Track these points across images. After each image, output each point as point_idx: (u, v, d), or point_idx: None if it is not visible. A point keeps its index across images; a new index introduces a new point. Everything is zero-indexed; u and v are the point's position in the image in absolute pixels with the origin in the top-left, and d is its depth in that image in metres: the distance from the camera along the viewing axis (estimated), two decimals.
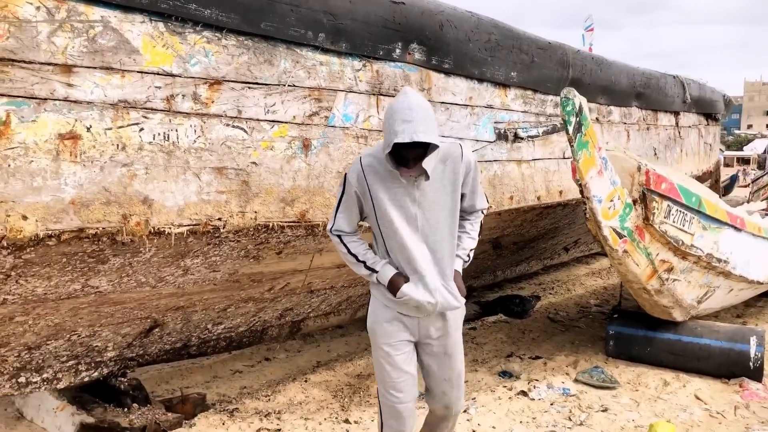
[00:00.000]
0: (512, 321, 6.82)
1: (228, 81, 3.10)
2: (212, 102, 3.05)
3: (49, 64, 2.55)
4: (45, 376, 3.71)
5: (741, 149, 49.56)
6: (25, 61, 2.49)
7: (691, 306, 5.22)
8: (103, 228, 2.77)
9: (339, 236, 2.92)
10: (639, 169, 4.32)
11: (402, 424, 2.99)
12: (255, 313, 4.54)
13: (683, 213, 4.56)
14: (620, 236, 4.31)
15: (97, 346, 3.80)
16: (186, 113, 2.97)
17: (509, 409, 4.47)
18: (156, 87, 2.86)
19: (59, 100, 2.60)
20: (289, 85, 3.35)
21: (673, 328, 5.27)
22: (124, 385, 4.17)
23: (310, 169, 3.51)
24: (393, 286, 2.82)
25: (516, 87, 4.93)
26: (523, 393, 4.74)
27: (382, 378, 2.98)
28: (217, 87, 3.07)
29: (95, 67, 2.67)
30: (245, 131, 3.20)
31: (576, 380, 4.99)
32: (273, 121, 3.31)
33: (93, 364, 3.93)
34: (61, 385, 3.83)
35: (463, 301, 2.95)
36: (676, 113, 7.99)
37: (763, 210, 7.92)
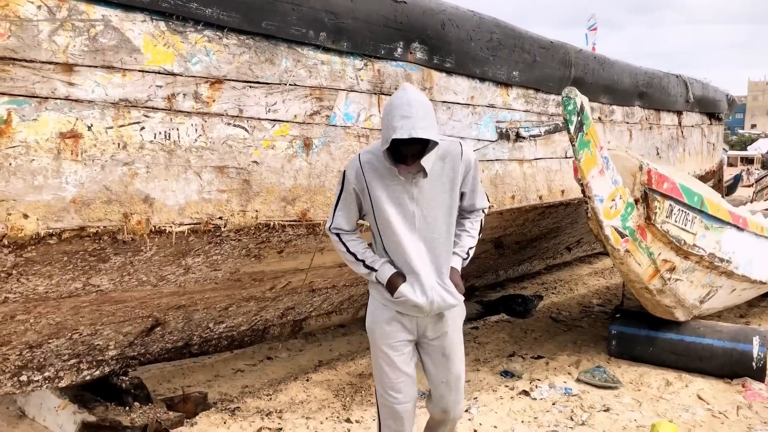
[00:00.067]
0: (514, 320, 6.82)
1: (229, 80, 3.10)
2: (213, 101, 3.05)
3: (50, 63, 2.56)
4: (46, 374, 3.72)
5: (745, 149, 49.47)
6: (26, 60, 2.49)
7: (694, 306, 5.21)
8: (104, 227, 2.77)
9: (338, 234, 2.89)
10: (641, 168, 4.31)
11: (400, 424, 2.97)
12: (256, 312, 4.54)
13: (685, 212, 4.55)
14: (622, 236, 4.30)
15: (98, 344, 3.81)
16: (187, 112, 2.97)
17: (511, 409, 4.47)
18: (157, 86, 2.86)
19: (60, 99, 2.60)
20: (290, 84, 3.35)
21: (676, 328, 5.26)
22: (126, 384, 4.18)
23: (312, 168, 3.51)
24: (391, 286, 2.78)
25: (518, 86, 4.92)
26: (525, 393, 4.74)
27: (380, 378, 2.96)
28: (218, 86, 3.07)
29: (96, 66, 2.68)
30: (246, 130, 3.20)
31: (578, 380, 4.98)
32: (274, 120, 3.31)
33: (94, 363, 3.93)
34: (62, 384, 3.84)
35: (461, 298, 2.90)
36: (679, 113, 7.97)
37: (766, 210, 7.89)
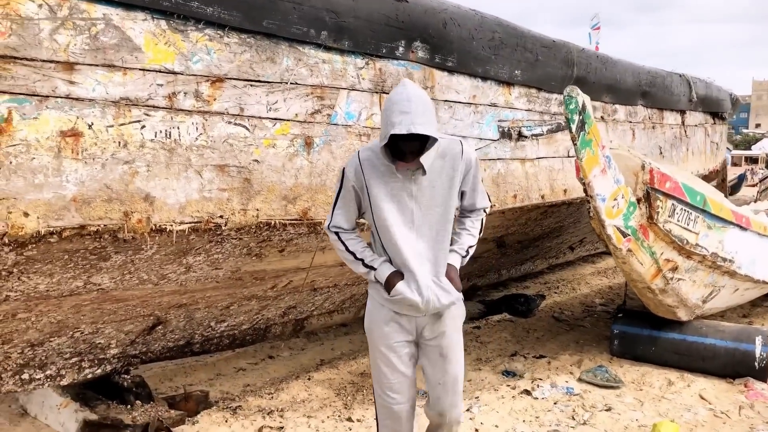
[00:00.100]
0: (517, 320, 6.81)
1: (230, 79, 3.10)
2: (214, 100, 3.05)
3: (51, 61, 2.56)
4: (48, 372, 3.73)
5: (749, 148, 49.33)
6: (27, 59, 2.50)
7: (696, 305, 5.20)
8: (104, 225, 2.77)
9: (336, 233, 2.86)
10: (643, 167, 4.30)
11: (398, 425, 2.95)
12: (258, 311, 4.54)
13: (688, 212, 4.54)
14: (624, 235, 4.29)
15: (100, 343, 3.81)
16: (188, 111, 2.97)
17: (512, 408, 4.47)
18: (158, 85, 2.86)
19: (61, 97, 2.60)
20: (291, 83, 3.35)
21: (678, 328, 5.25)
22: (128, 382, 4.18)
23: (313, 167, 3.51)
24: (389, 284, 2.75)
25: (520, 85, 4.92)
26: (527, 392, 4.74)
27: (378, 379, 2.94)
28: (219, 85, 3.07)
29: (97, 65, 2.68)
30: (247, 129, 3.20)
31: (580, 379, 4.98)
32: (275, 119, 3.31)
33: (96, 361, 3.94)
34: (64, 382, 3.84)
35: (459, 295, 2.86)
36: (682, 112, 7.96)
37: None
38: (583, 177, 4.00)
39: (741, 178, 23.73)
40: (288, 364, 5.43)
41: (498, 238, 5.99)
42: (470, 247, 2.94)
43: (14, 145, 2.51)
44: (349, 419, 4.28)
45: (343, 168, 2.80)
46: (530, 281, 8.55)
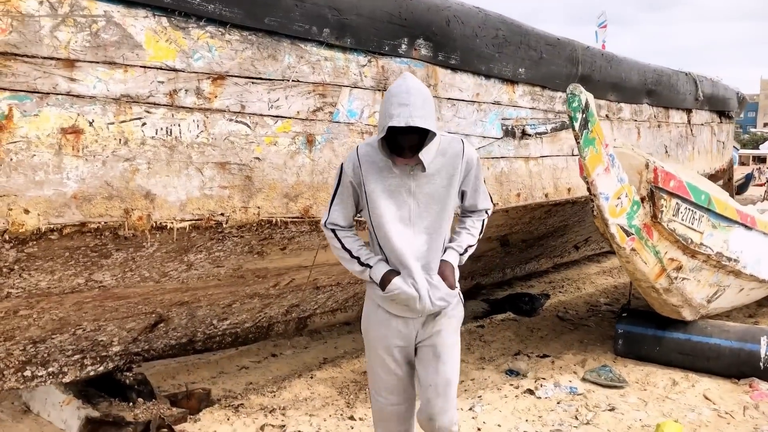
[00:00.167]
0: (521, 319, 6.79)
1: (231, 76, 3.09)
2: (215, 97, 3.05)
3: (52, 58, 2.56)
4: (50, 369, 3.73)
5: (757, 147, 49.12)
6: (27, 56, 2.50)
7: (701, 305, 5.17)
8: (105, 222, 2.77)
9: (333, 230, 2.80)
10: (647, 166, 4.28)
11: (392, 426, 2.91)
12: (260, 309, 4.54)
13: (692, 211, 4.52)
14: (628, 234, 4.27)
15: (102, 340, 3.82)
16: (189, 108, 2.97)
17: (515, 408, 4.45)
18: (159, 82, 2.86)
19: (62, 94, 2.60)
20: (293, 81, 3.34)
21: (683, 328, 5.23)
22: (130, 380, 4.19)
23: (314, 164, 3.50)
24: (384, 282, 2.68)
25: (524, 83, 4.89)
26: (530, 391, 4.72)
27: (373, 380, 2.91)
28: (221, 82, 3.06)
29: (98, 62, 2.67)
30: (248, 126, 3.19)
31: (583, 379, 4.96)
32: (277, 116, 3.30)
33: (98, 359, 3.95)
34: (66, 379, 3.85)
35: (453, 293, 2.76)
36: (688, 111, 7.91)
37: None
38: (586, 175, 3.98)
39: (748, 178, 23.62)
40: (291, 363, 5.43)
41: (502, 236, 5.98)
42: (469, 246, 2.86)
43: (15, 142, 2.51)
44: (351, 418, 4.27)
45: (342, 163, 2.76)
46: (535, 280, 8.53)
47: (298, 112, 3.39)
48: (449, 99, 4.25)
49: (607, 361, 5.30)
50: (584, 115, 3.79)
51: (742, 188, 20.52)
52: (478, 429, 4.13)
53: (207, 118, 3.03)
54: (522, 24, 4.82)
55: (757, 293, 6.07)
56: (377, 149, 2.63)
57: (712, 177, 9.22)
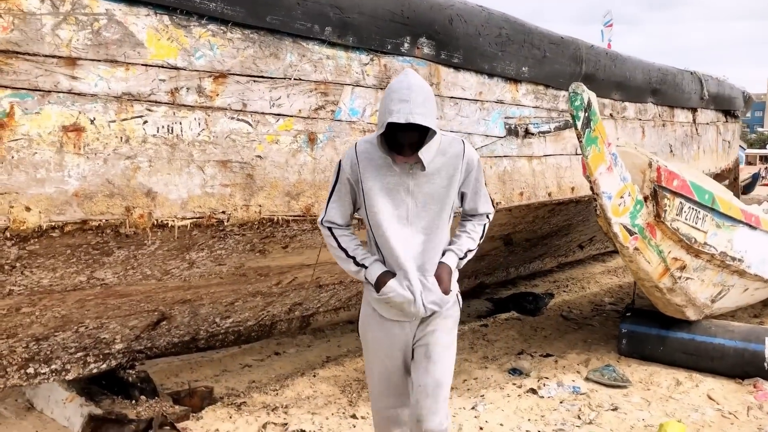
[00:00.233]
0: (525, 318, 6.79)
1: (233, 74, 3.09)
2: (217, 95, 3.05)
3: (54, 56, 2.56)
4: (53, 367, 3.75)
5: (764, 147, 48.87)
6: (29, 54, 2.50)
7: (705, 305, 5.15)
8: (106, 220, 2.77)
9: (330, 229, 2.74)
10: (650, 165, 4.27)
11: (390, 428, 2.88)
12: (263, 308, 4.55)
13: (696, 210, 4.50)
14: (631, 233, 4.26)
15: (104, 338, 3.83)
16: (190, 106, 2.97)
17: (518, 407, 4.45)
18: (160, 80, 2.86)
19: (63, 92, 2.60)
20: (294, 79, 3.34)
21: (687, 327, 5.21)
22: (132, 378, 4.20)
23: (316, 163, 3.50)
24: (379, 284, 2.64)
25: (527, 82, 4.88)
26: (533, 391, 4.72)
27: (371, 383, 2.89)
28: (222, 80, 3.06)
29: (99, 60, 2.68)
30: (250, 125, 3.20)
31: (587, 379, 4.95)
32: (278, 114, 3.30)
33: (101, 356, 3.96)
34: (69, 377, 3.86)
35: (446, 298, 2.70)
36: (694, 110, 7.88)
37: None
38: (588, 174, 3.97)
39: (755, 177, 23.51)
40: (294, 361, 5.43)
41: (505, 235, 5.97)
42: (469, 250, 2.80)
43: (16, 140, 2.51)
44: (354, 416, 4.27)
45: (340, 160, 2.72)
46: (539, 279, 8.52)
47: (299, 110, 3.39)
48: (452, 98, 4.24)
49: (610, 361, 5.29)
50: (586, 114, 3.78)
51: (748, 188, 20.43)
52: (480, 428, 4.13)
53: (208, 116, 3.04)
54: (525, 22, 4.81)
55: (762, 293, 6.05)
56: (376, 146, 2.59)
57: (718, 176, 9.19)
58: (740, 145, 14.65)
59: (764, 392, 4.66)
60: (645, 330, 5.35)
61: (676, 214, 4.39)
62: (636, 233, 4.29)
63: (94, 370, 3.97)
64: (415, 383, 2.73)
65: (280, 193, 3.36)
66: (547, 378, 4.95)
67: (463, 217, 2.88)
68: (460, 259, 2.77)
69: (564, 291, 8.10)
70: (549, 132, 5.12)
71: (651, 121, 6.81)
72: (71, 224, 2.69)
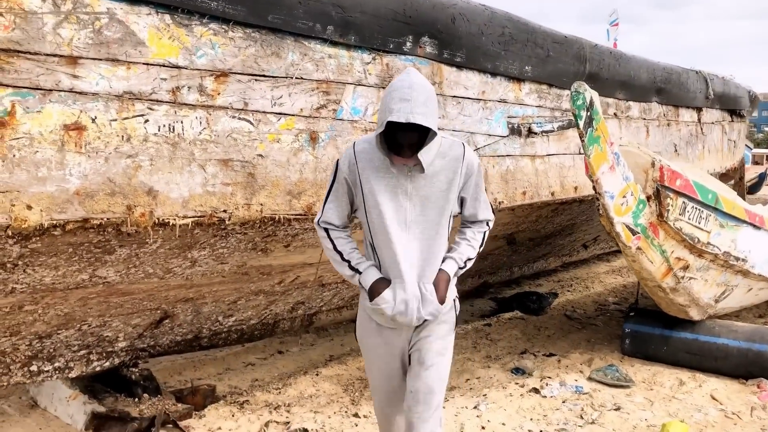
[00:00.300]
0: (528, 318, 6.78)
1: (234, 73, 3.10)
2: (218, 94, 3.06)
3: (55, 55, 2.57)
4: (57, 365, 3.77)
5: None
6: (30, 53, 2.51)
7: (708, 305, 5.14)
8: (107, 218, 2.78)
9: (326, 230, 2.69)
10: (653, 164, 4.26)
11: (392, 429, 2.87)
12: (266, 306, 4.56)
13: (699, 210, 4.48)
14: (633, 233, 4.25)
15: (107, 336, 3.84)
16: (192, 105, 2.98)
17: (520, 406, 4.44)
18: (162, 79, 2.87)
19: (64, 91, 2.61)
20: (296, 78, 3.34)
21: (690, 327, 5.20)
22: (135, 376, 4.22)
23: (318, 162, 3.51)
24: (373, 292, 2.59)
25: (531, 81, 4.87)
26: (535, 390, 4.71)
27: (372, 385, 2.87)
28: (224, 79, 3.07)
29: (101, 59, 2.69)
30: (251, 123, 3.20)
31: (590, 378, 4.94)
32: (280, 113, 3.30)
33: (104, 354, 3.97)
34: (72, 375, 3.88)
35: (442, 308, 2.64)
36: (699, 109, 7.85)
37: None
38: (591, 174, 3.96)
39: (762, 177, 23.35)
40: (297, 360, 5.44)
41: (508, 235, 5.96)
42: (469, 259, 2.74)
43: (18, 139, 2.52)
44: (356, 415, 4.27)
45: (337, 160, 2.67)
46: (543, 279, 8.50)
47: (301, 109, 3.39)
48: (454, 97, 4.24)
49: (614, 361, 5.28)
50: (589, 113, 3.77)
51: (755, 188, 20.30)
52: (483, 428, 4.13)
53: (210, 115, 3.04)
54: (529, 21, 4.80)
55: (767, 293, 6.02)
56: (375, 147, 2.54)
57: (723, 176, 9.16)
58: (747, 145, 14.59)
59: None
60: (648, 330, 5.34)
61: (679, 214, 4.38)
62: (639, 233, 4.28)
63: (98, 368, 3.99)
64: (408, 389, 2.69)
65: (281, 192, 3.36)
66: (549, 377, 4.94)
67: (463, 223, 2.81)
68: (460, 268, 2.71)
69: (568, 290, 8.08)
70: (552, 131, 5.12)
71: (655, 120, 6.79)
72: (73, 222, 2.70)
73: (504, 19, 4.51)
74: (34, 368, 3.68)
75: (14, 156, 2.52)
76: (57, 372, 3.80)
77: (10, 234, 2.60)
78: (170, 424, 4.02)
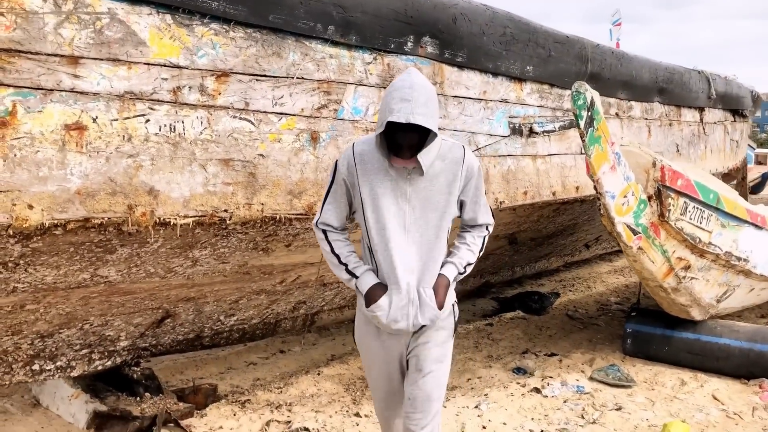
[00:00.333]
0: (530, 317, 6.78)
1: (235, 73, 3.10)
2: (219, 94, 3.06)
3: (56, 55, 2.58)
4: (59, 364, 3.77)
5: None
6: (31, 52, 2.52)
7: (710, 305, 5.13)
8: (108, 218, 2.79)
9: (324, 231, 2.66)
10: (654, 164, 4.26)
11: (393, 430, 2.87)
12: (267, 306, 4.56)
13: (700, 210, 4.48)
14: (634, 233, 4.25)
15: (109, 335, 3.85)
16: (192, 105, 2.98)
17: (521, 406, 4.45)
18: (163, 79, 2.87)
19: (65, 91, 2.62)
20: (297, 78, 3.35)
21: (692, 327, 5.20)
22: (137, 375, 4.24)
23: (319, 161, 3.51)
24: (369, 298, 2.55)
25: (532, 81, 4.87)
26: (537, 390, 4.71)
27: (371, 387, 2.87)
28: (225, 79, 3.07)
29: (102, 59, 2.69)
30: (252, 123, 3.20)
31: (591, 378, 4.94)
32: (281, 113, 3.31)
33: (106, 353, 3.98)
34: (74, 374, 3.89)
35: (440, 314, 2.60)
36: (701, 109, 7.84)
37: None
38: (592, 174, 3.97)
39: (765, 177, 23.28)
40: (298, 359, 5.45)
41: (510, 234, 5.96)
42: (468, 264, 2.70)
43: (19, 138, 2.53)
44: (357, 414, 4.28)
45: (336, 160, 2.63)
46: (545, 279, 8.50)
47: (302, 109, 3.40)
48: (455, 97, 4.24)
49: (615, 361, 5.28)
50: (589, 113, 3.77)
51: (758, 188, 20.23)
52: (484, 427, 4.13)
53: (211, 114, 3.05)
54: (530, 21, 4.80)
55: None
56: (374, 148, 2.50)
57: (726, 176, 9.15)
58: (749, 145, 14.56)
59: None
60: (650, 330, 5.34)
61: (681, 214, 4.38)
62: (640, 233, 4.27)
63: (99, 367, 4.00)
64: (406, 395, 2.67)
65: (282, 192, 3.37)
66: (551, 377, 4.94)
67: (462, 227, 2.77)
68: (460, 273, 2.67)
69: (570, 290, 8.08)
70: (554, 131, 5.12)
71: (657, 120, 6.79)
72: (74, 222, 2.71)
73: (505, 19, 4.51)
74: (36, 367, 3.69)
75: (15, 156, 2.53)
76: (59, 371, 3.80)
77: (12, 233, 2.60)
78: (172, 423, 4.03)
